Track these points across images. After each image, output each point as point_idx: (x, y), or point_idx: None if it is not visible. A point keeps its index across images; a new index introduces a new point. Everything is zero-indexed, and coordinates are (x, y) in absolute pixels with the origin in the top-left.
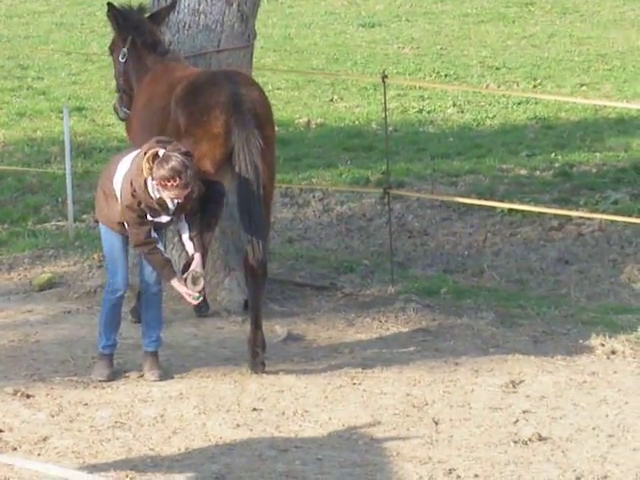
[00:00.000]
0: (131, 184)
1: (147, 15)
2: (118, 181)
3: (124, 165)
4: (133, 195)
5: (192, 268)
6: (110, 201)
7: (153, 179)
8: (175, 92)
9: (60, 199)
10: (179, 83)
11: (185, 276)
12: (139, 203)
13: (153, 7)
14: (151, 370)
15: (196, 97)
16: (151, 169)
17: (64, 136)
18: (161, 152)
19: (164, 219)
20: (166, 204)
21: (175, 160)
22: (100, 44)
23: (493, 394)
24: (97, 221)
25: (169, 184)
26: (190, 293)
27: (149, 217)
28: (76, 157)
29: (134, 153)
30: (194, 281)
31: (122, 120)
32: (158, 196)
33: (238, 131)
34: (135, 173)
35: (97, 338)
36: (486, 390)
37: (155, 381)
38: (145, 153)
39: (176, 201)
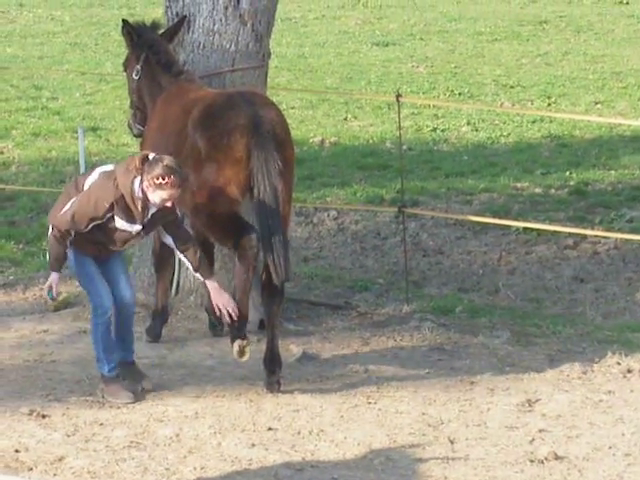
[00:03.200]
0: (114, 180)
1: (161, 32)
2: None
3: (91, 178)
4: (117, 187)
5: (223, 308)
6: None
7: (142, 180)
8: (192, 115)
9: None
10: (194, 105)
11: (231, 344)
12: (116, 202)
13: (167, 24)
14: (145, 379)
15: (215, 120)
16: (141, 169)
17: (79, 156)
18: (151, 156)
19: (135, 228)
20: (147, 207)
21: (168, 160)
22: (114, 64)
23: (509, 413)
24: None
25: (164, 182)
26: (51, 297)
27: (120, 224)
28: None
29: (100, 169)
30: (241, 352)
31: (136, 137)
32: (142, 197)
33: (257, 153)
34: (121, 172)
35: (98, 365)
36: (502, 409)
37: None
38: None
39: (166, 203)
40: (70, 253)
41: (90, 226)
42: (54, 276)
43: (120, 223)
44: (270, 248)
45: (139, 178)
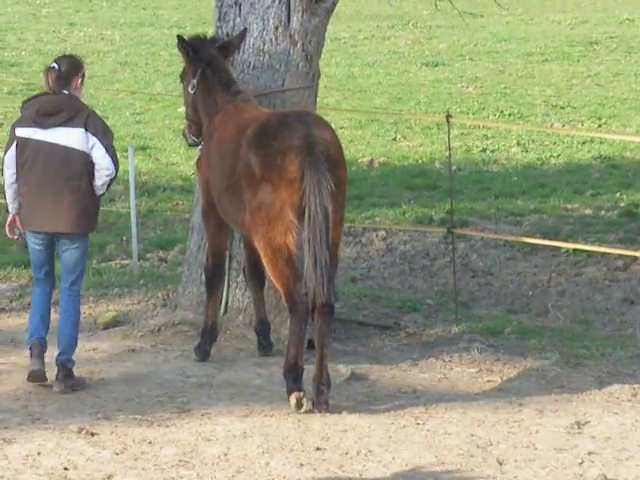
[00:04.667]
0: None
1: (218, 44)
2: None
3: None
4: (85, 106)
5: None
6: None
7: (71, 86)
8: (246, 134)
9: (124, 238)
10: (249, 125)
11: (288, 396)
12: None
13: (218, 37)
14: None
15: (269, 140)
16: (60, 83)
17: (129, 175)
18: (54, 66)
19: None
20: None
21: (59, 62)
22: (164, 83)
23: (558, 435)
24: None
25: (83, 71)
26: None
27: None
28: (140, 196)
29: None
30: (298, 404)
31: (190, 146)
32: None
33: (310, 174)
34: (71, 101)
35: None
36: (551, 431)
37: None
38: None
39: None
40: (82, 242)
41: None
42: None
43: None
44: (315, 268)
45: (69, 90)
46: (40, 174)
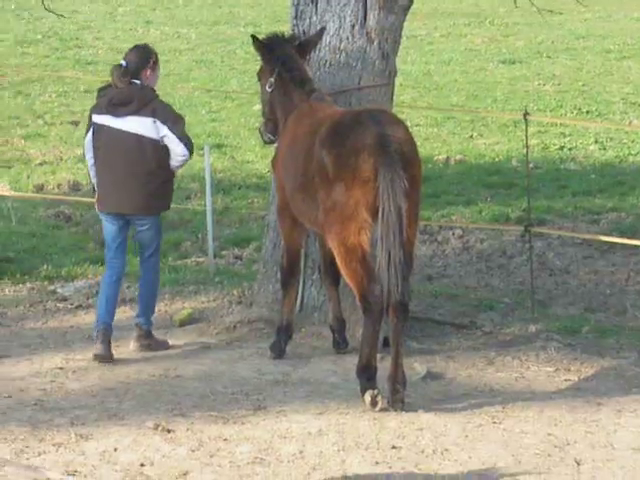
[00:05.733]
0: (154, 99)
1: (296, 43)
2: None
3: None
4: (155, 94)
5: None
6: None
7: (141, 77)
8: (319, 133)
9: (200, 235)
10: (322, 124)
11: (362, 395)
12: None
13: (296, 35)
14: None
15: (342, 139)
16: (128, 76)
17: (204, 173)
18: (122, 63)
19: None
20: None
21: (132, 53)
22: (239, 82)
23: (637, 435)
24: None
25: (153, 60)
26: None
27: None
28: (216, 194)
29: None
30: (373, 402)
31: (266, 144)
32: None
33: (384, 172)
34: (143, 91)
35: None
36: (629, 431)
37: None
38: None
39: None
40: (158, 220)
41: None
42: None
43: None
44: (388, 267)
45: (140, 81)
46: (113, 159)
